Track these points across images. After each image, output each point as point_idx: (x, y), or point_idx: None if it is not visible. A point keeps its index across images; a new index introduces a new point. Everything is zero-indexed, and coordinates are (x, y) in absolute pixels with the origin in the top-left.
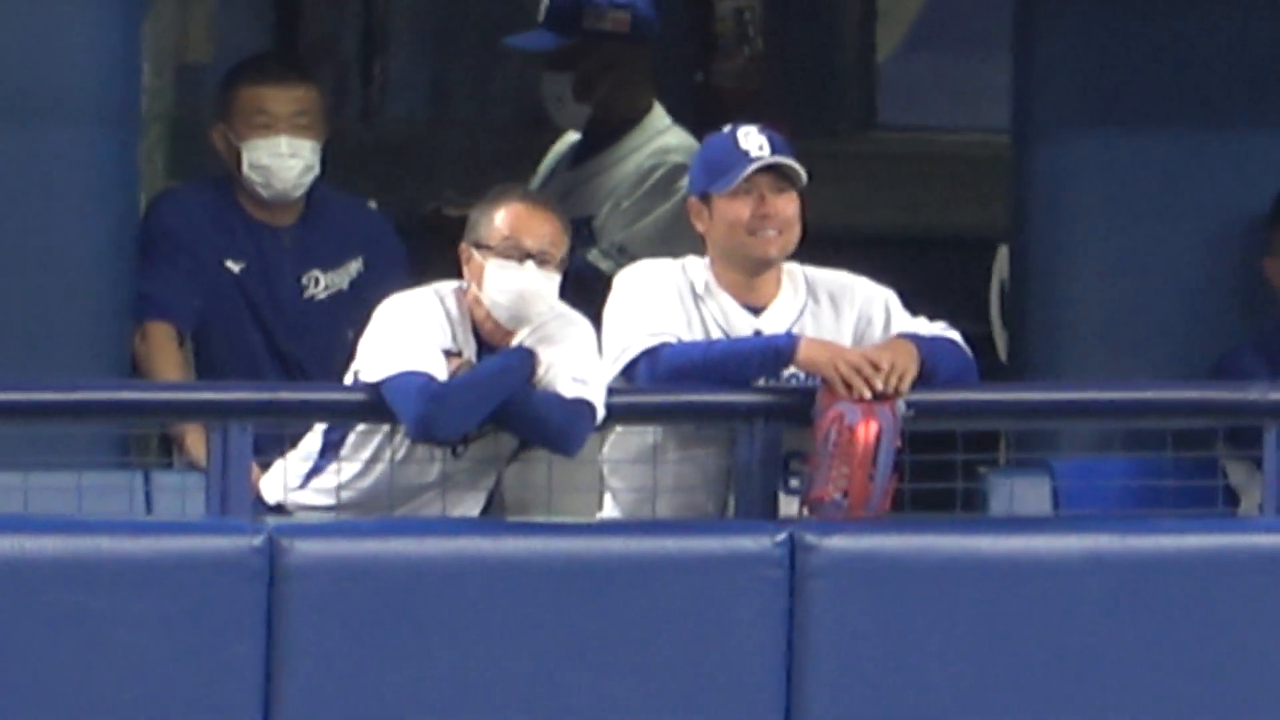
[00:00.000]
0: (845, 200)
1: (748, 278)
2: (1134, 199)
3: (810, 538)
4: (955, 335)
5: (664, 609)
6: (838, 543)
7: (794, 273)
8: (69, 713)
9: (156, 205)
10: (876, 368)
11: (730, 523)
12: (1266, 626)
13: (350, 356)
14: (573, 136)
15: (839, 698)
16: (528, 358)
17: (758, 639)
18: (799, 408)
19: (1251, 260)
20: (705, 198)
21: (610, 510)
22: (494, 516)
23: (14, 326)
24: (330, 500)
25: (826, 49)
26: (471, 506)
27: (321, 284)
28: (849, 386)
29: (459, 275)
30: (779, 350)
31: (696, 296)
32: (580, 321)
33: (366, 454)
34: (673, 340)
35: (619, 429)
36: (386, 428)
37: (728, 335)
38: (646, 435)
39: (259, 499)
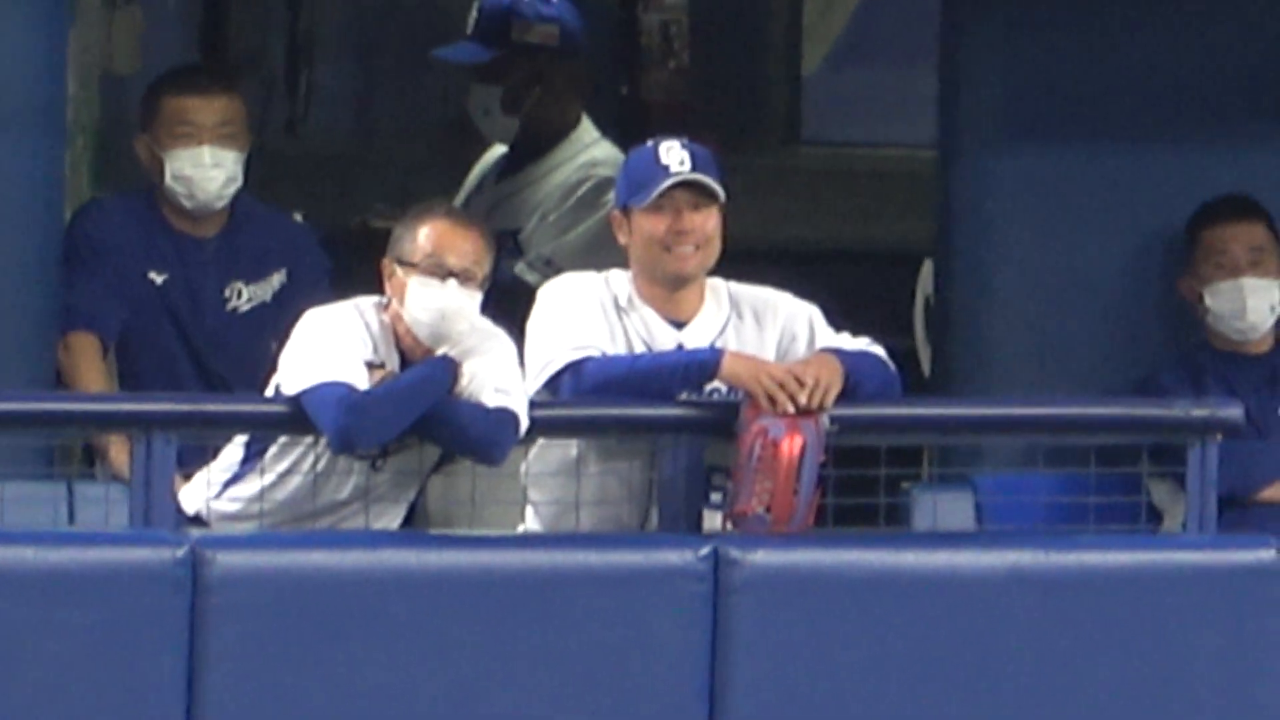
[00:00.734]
0: (770, 214)
1: (669, 292)
2: (1058, 214)
3: (734, 552)
4: (879, 350)
5: (588, 622)
6: (761, 557)
7: (717, 288)
8: None
9: (81, 216)
10: (801, 382)
11: (654, 536)
12: (1188, 642)
13: (273, 369)
14: (500, 149)
15: (762, 711)
16: (450, 368)
17: (681, 653)
18: (723, 422)
19: (1171, 277)
20: (626, 211)
21: (531, 523)
22: (418, 529)
23: None
24: (247, 509)
25: (752, 63)
26: (392, 519)
27: (245, 296)
28: (773, 401)
29: (383, 288)
30: (703, 364)
31: (620, 310)
32: (501, 334)
33: (286, 465)
34: (596, 354)
35: (541, 442)
36: (307, 440)
37: (650, 349)
38: (568, 448)
39: (178, 509)
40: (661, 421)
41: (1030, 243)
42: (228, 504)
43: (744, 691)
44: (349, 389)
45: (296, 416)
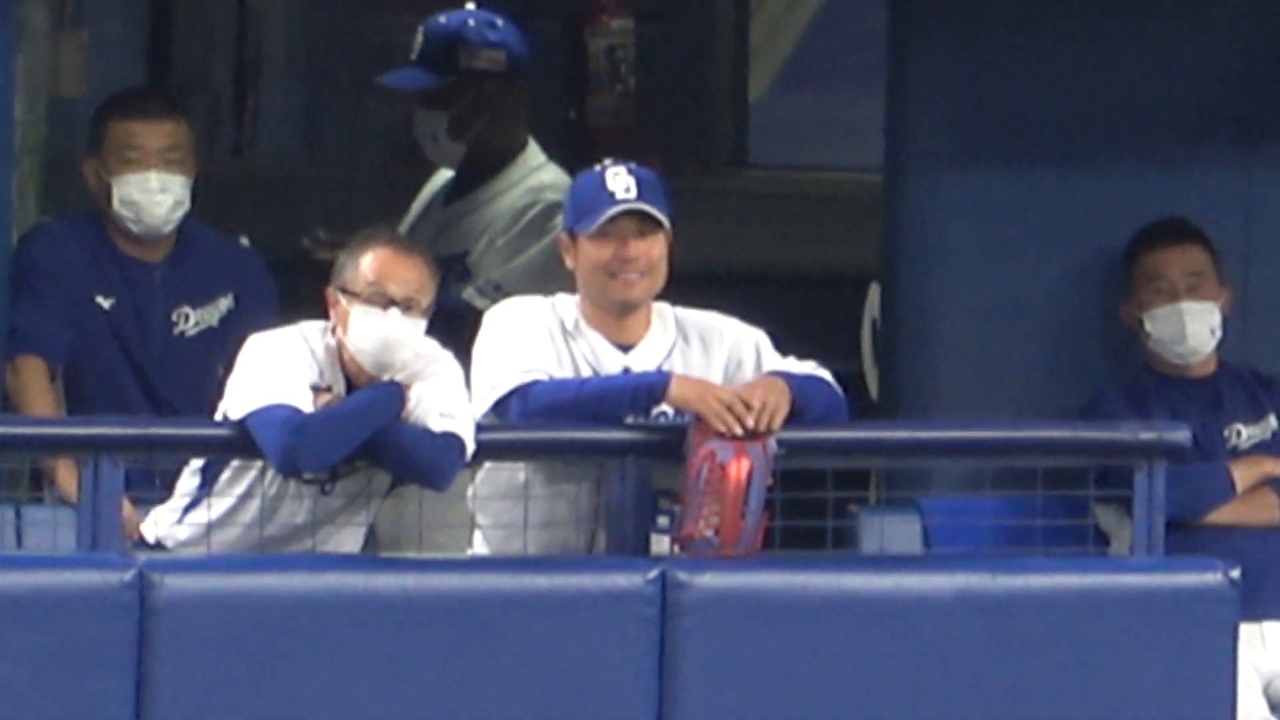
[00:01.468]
0: (717, 238)
1: (615, 317)
2: (1005, 238)
3: (682, 575)
4: (826, 374)
5: (536, 645)
6: (709, 580)
7: (664, 312)
8: None
9: (28, 240)
10: (748, 405)
11: (602, 559)
12: (1135, 665)
13: (220, 393)
14: (446, 173)
15: None
16: (395, 392)
17: (629, 676)
18: (670, 445)
19: (1119, 300)
20: (573, 235)
21: (479, 547)
22: (367, 552)
23: None
24: (205, 538)
25: (699, 87)
26: (350, 543)
27: (192, 320)
28: (721, 424)
29: (328, 313)
30: (651, 387)
31: (566, 334)
32: (447, 358)
33: (241, 488)
34: (544, 377)
35: (488, 465)
36: (258, 465)
37: (597, 373)
38: (516, 471)
39: (140, 539)
40: (609, 445)
41: (977, 266)
42: (186, 529)
43: (692, 714)
44: (293, 411)
45: (244, 440)
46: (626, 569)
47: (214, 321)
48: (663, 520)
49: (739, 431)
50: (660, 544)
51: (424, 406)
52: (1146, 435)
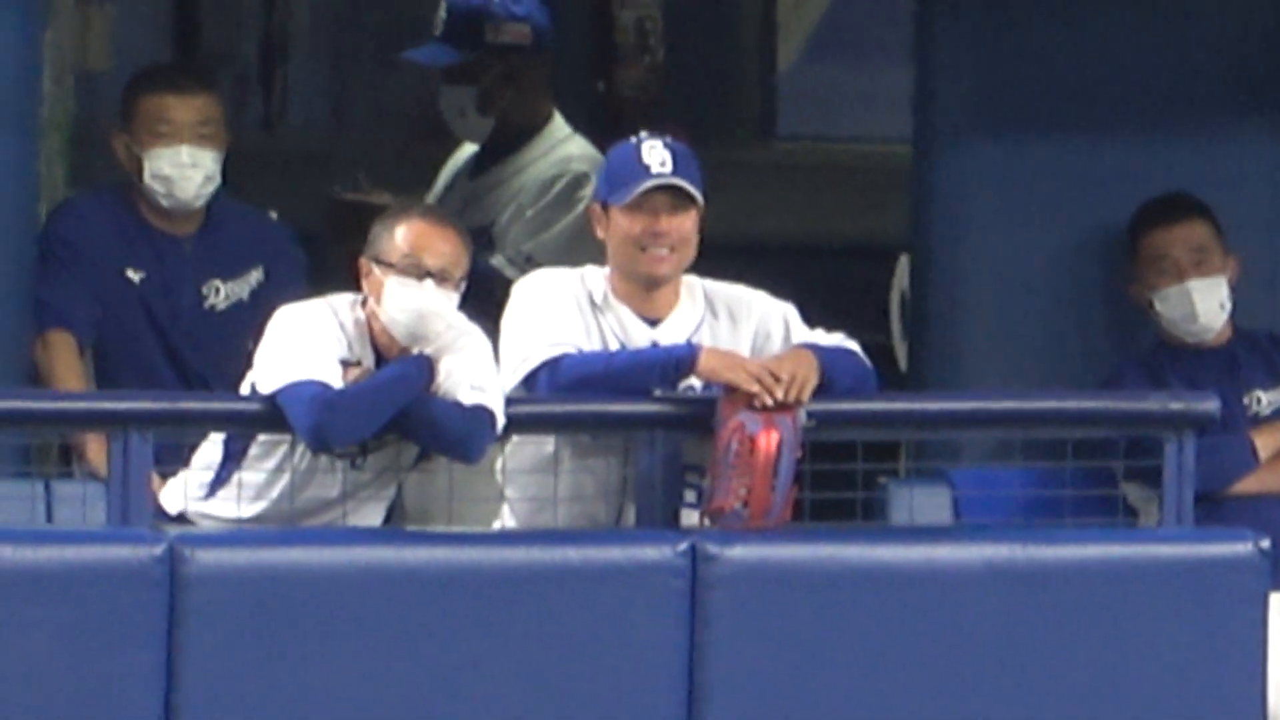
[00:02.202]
0: (745, 209)
1: (644, 290)
2: (1034, 208)
3: (712, 547)
4: (854, 346)
5: (566, 618)
6: (739, 552)
7: (692, 285)
8: None
9: (57, 215)
10: (777, 377)
11: (632, 532)
12: (1165, 636)
13: (249, 367)
14: (471, 147)
15: (740, 706)
16: (425, 365)
17: (659, 648)
18: (699, 418)
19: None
20: (605, 206)
21: (507, 520)
22: (395, 526)
23: None
24: (233, 513)
25: (727, 59)
26: (373, 517)
27: (222, 294)
28: (750, 396)
29: (358, 286)
30: (680, 360)
31: (595, 307)
32: (477, 331)
33: (269, 465)
34: (573, 350)
35: (515, 438)
36: (289, 439)
37: (625, 346)
38: (544, 445)
39: (160, 510)
40: (638, 418)
41: (1005, 237)
42: (217, 505)
43: (722, 686)
44: (323, 387)
45: (273, 414)
46: (656, 541)
47: (244, 295)
48: (691, 493)
49: (768, 403)
50: (689, 517)
51: (454, 379)
52: (1175, 405)
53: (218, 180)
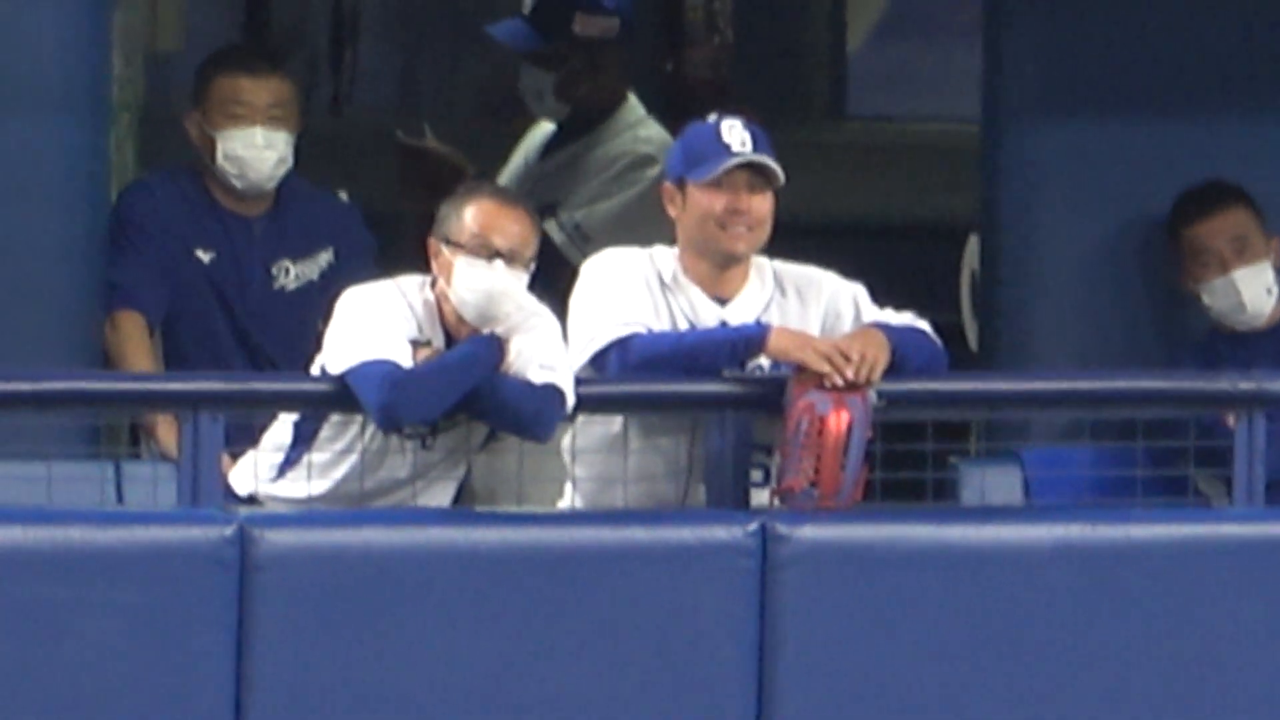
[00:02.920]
0: (815, 190)
1: (715, 269)
2: (1104, 187)
3: (782, 527)
4: (925, 325)
5: (636, 598)
6: (809, 533)
7: (762, 265)
8: (39, 703)
9: (127, 195)
10: (847, 357)
11: (702, 512)
12: (1235, 616)
13: (318, 348)
14: (544, 127)
15: (810, 687)
16: (495, 345)
17: (729, 628)
18: (769, 397)
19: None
20: (680, 184)
21: (572, 500)
22: (463, 506)
23: None
24: (303, 494)
25: (796, 39)
26: (443, 497)
27: (291, 274)
28: (820, 376)
29: (427, 267)
30: (749, 340)
31: (664, 286)
32: (546, 311)
33: (339, 446)
34: (643, 330)
35: (582, 418)
36: (359, 420)
37: (695, 325)
38: (611, 424)
39: (229, 492)
40: (708, 398)
41: (1075, 216)
42: (286, 486)
43: (792, 666)
44: (393, 366)
45: (343, 395)
46: (726, 521)
47: (314, 276)
48: (757, 475)
49: (839, 383)
50: (759, 497)
51: (524, 359)
52: (1246, 385)
53: (290, 162)
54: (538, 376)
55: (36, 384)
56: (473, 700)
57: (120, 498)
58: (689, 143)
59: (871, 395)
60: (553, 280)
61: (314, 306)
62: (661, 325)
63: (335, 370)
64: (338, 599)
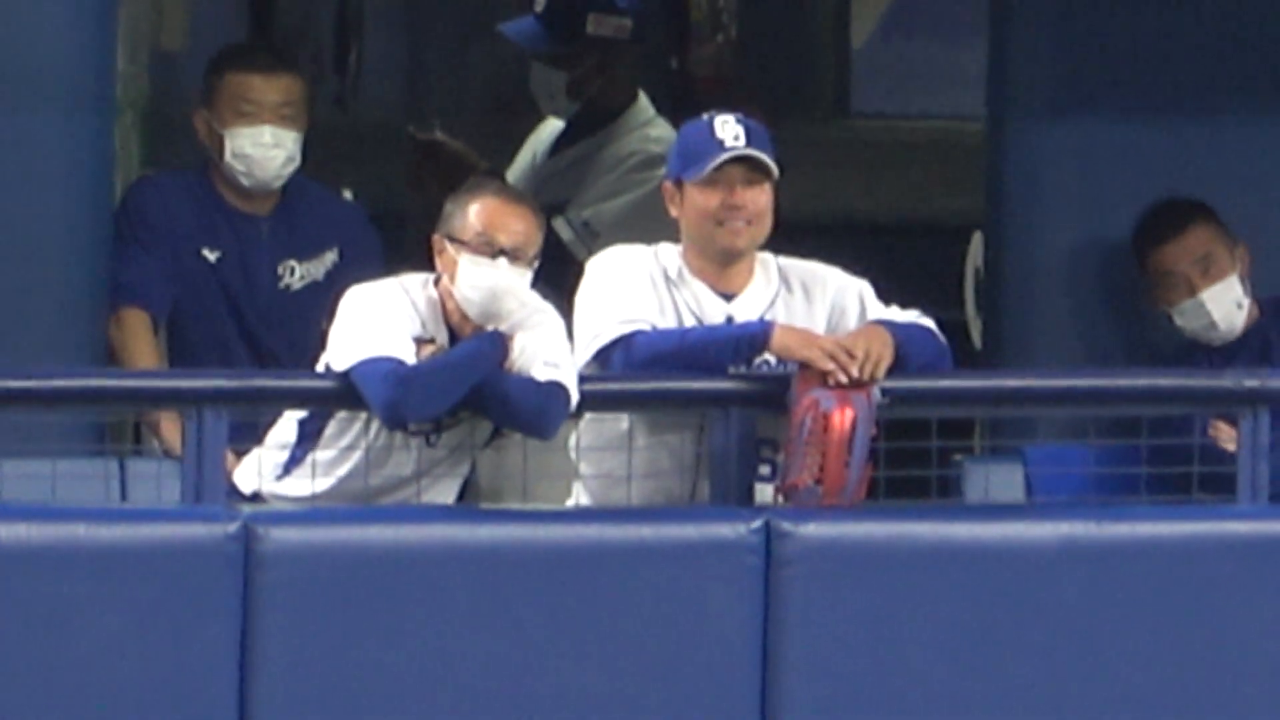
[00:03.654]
0: (819, 187)
1: (719, 265)
2: (1108, 185)
3: (786, 525)
4: (929, 323)
5: (640, 595)
6: (813, 530)
7: (767, 262)
8: (45, 699)
9: (134, 192)
10: (852, 354)
11: (706, 509)
12: (1240, 612)
13: (324, 347)
14: (552, 124)
15: (814, 684)
16: (499, 341)
17: (733, 625)
18: (773, 395)
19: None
20: (679, 183)
21: (579, 497)
22: (468, 503)
23: None
24: (307, 492)
25: (801, 36)
26: (447, 494)
27: (297, 274)
28: (824, 373)
29: (432, 266)
30: (754, 337)
31: (669, 283)
32: (550, 309)
33: (343, 443)
34: (647, 327)
35: (589, 415)
36: (364, 417)
37: (700, 322)
38: (618, 421)
39: (233, 489)
40: (713, 395)
41: (1080, 214)
42: (291, 484)
43: (797, 663)
44: (397, 363)
45: (347, 392)
46: (730, 519)
47: (319, 275)
48: (765, 470)
49: (843, 380)
50: (764, 494)
51: (528, 356)
52: (1250, 383)
53: (298, 161)
54: (542, 373)
55: (41, 381)
56: (477, 696)
57: (124, 495)
58: (684, 142)
59: (876, 393)
60: (561, 278)
61: (319, 307)
62: (667, 321)
63: (339, 368)
64: (342, 596)
